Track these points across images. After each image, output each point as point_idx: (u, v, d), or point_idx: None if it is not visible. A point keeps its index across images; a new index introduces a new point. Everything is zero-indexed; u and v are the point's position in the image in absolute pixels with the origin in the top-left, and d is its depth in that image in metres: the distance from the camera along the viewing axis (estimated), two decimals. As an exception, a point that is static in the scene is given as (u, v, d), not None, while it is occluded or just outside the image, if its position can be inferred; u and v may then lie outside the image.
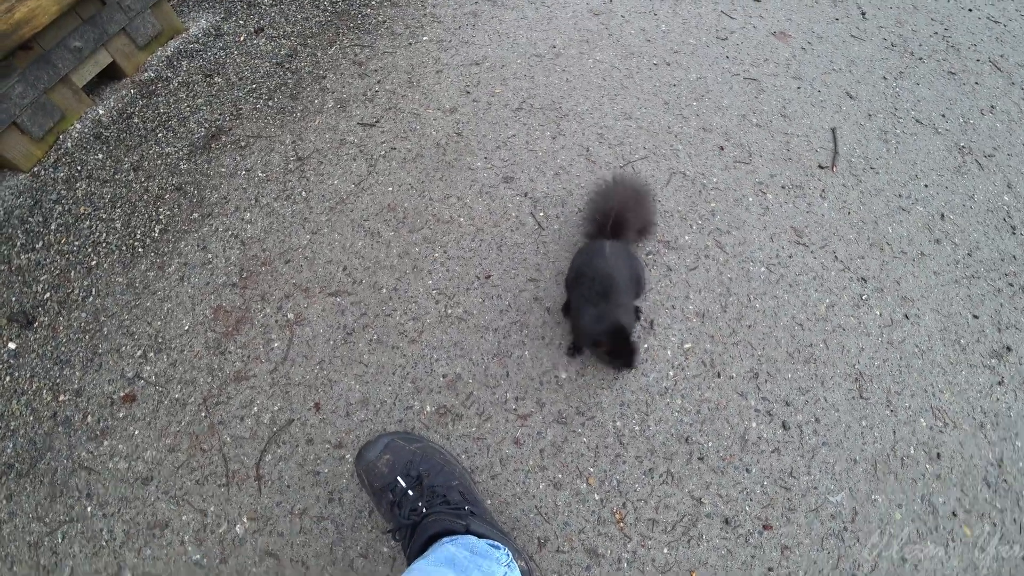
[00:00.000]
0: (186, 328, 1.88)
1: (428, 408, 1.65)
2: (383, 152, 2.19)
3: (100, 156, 2.40)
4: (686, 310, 1.78)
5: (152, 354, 1.85)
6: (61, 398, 1.82)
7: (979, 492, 1.61)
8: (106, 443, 1.72)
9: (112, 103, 2.58)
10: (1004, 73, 2.67)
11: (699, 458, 1.59)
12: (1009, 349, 1.86)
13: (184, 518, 1.57)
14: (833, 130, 2.28)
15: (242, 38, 2.80)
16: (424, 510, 1.29)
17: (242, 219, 2.09)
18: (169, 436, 1.70)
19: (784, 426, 1.66)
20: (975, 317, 1.90)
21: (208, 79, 2.62)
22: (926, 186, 2.16)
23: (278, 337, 1.81)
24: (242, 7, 2.97)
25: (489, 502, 1.53)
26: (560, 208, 1.98)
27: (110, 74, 2.65)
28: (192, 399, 1.76)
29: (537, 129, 2.20)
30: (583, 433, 1.61)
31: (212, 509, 1.57)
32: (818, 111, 2.35)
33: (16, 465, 1.73)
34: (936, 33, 2.83)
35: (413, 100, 2.38)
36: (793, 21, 2.78)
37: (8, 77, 2.25)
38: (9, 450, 1.76)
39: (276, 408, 1.70)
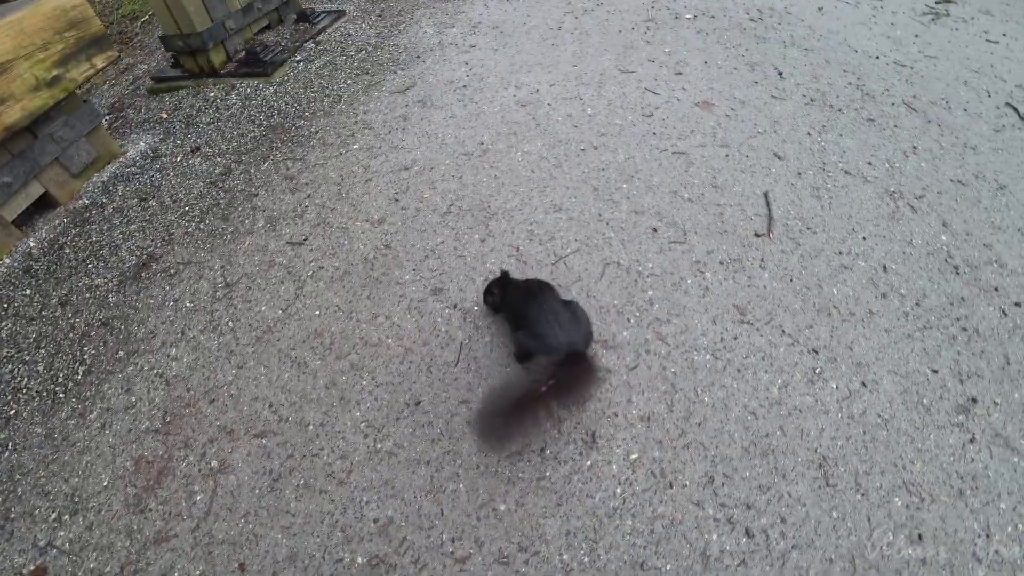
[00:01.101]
0: (105, 484, 1.64)
1: (360, 559, 1.41)
2: (311, 272, 2.01)
3: (28, 292, 2.20)
4: (629, 416, 1.57)
5: (67, 517, 1.61)
6: None
7: (972, 572, 1.37)
8: None
9: (44, 233, 2.40)
10: (919, 113, 2.56)
11: (658, 587, 1.35)
12: (974, 401, 1.66)
13: None
14: (766, 194, 2.13)
15: (179, 158, 2.66)
16: None
17: (168, 356, 1.88)
18: None
19: (748, 533, 1.43)
20: (934, 372, 1.71)
21: (143, 203, 2.46)
22: (864, 238, 2.00)
23: (201, 489, 1.58)
24: (181, 127, 2.84)
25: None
26: (490, 319, 1.78)
27: (43, 203, 2.48)
28: (108, 568, 1.50)
29: (465, 233, 2.02)
30: (527, 572, 1.37)
31: None
32: (748, 177, 2.21)
33: None
34: (850, 83, 2.74)
35: (342, 213, 2.21)
36: (715, 89, 2.67)
37: None
38: None
39: (198, 573, 1.45)
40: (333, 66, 3.14)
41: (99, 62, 2.47)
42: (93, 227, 2.38)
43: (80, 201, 2.50)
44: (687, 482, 1.49)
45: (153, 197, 2.47)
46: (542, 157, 2.35)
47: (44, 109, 2.28)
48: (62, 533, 1.58)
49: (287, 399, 1.69)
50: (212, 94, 3.03)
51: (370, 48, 3.27)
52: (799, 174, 2.23)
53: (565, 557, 1.39)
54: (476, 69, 2.96)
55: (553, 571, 1.37)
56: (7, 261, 2.29)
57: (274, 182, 2.42)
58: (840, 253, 1.96)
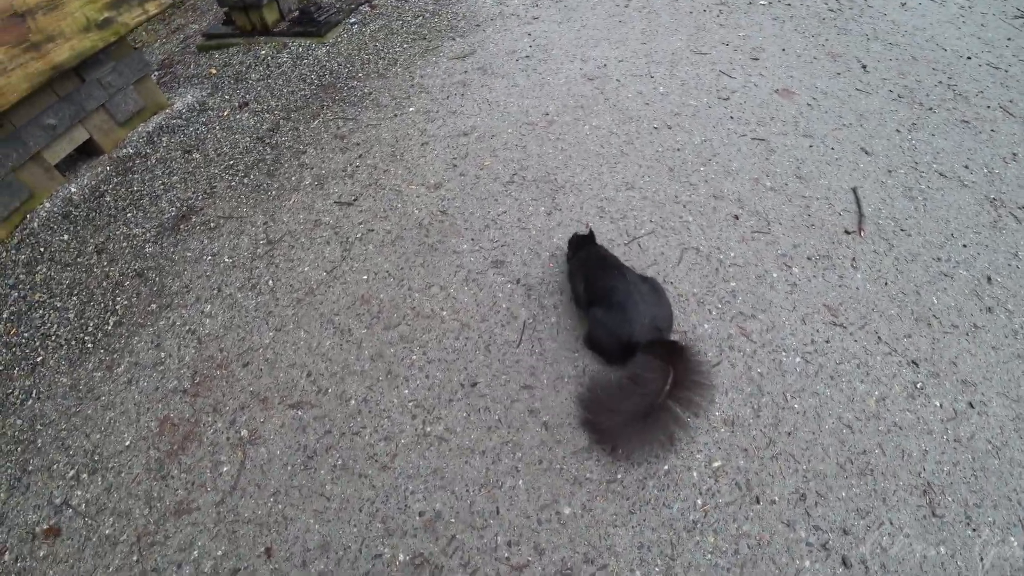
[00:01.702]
0: (127, 444, 1.45)
1: (401, 556, 1.20)
2: (359, 234, 1.79)
3: (65, 237, 2.02)
4: (712, 417, 1.33)
5: (86, 475, 1.43)
6: None
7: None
8: None
9: (86, 180, 2.21)
10: (1017, 119, 2.26)
11: (743, 619, 1.12)
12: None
13: None
14: (854, 190, 1.86)
15: (226, 112, 2.46)
16: None
17: (201, 312, 1.68)
18: None
19: (845, 563, 1.19)
20: (1048, 400, 1.43)
21: (187, 155, 2.26)
22: (964, 246, 1.73)
23: (228, 459, 1.37)
24: (230, 82, 2.64)
25: None
26: (558, 296, 1.55)
27: (87, 150, 2.29)
28: (124, 536, 1.31)
29: (530, 204, 1.79)
30: (594, 589, 1.14)
31: None
32: (835, 170, 1.94)
33: None
34: (941, 83, 2.44)
35: (396, 175, 1.99)
36: (795, 78, 2.39)
37: None
38: None
39: (220, 553, 1.25)
40: (389, 30, 2.91)
41: (151, 8, 2.28)
42: (135, 176, 2.19)
43: (124, 150, 2.32)
44: (776, 498, 1.25)
45: (197, 150, 2.27)
46: (611, 132, 2.10)
47: (93, 51, 2.11)
48: (79, 492, 1.40)
49: (327, 368, 1.48)
50: (263, 52, 2.82)
51: (427, 14, 3.04)
52: (889, 172, 1.95)
53: (637, 574, 1.16)
54: (539, 41, 2.71)
55: (622, 589, 1.14)
56: (47, 205, 2.12)
57: (324, 140, 2.21)
58: (939, 259, 1.69)
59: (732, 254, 1.64)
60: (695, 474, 1.27)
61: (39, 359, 1.69)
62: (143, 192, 2.12)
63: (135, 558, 1.27)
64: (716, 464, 1.29)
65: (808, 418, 1.35)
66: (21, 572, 1.31)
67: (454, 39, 2.77)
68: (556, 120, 2.17)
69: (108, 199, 2.12)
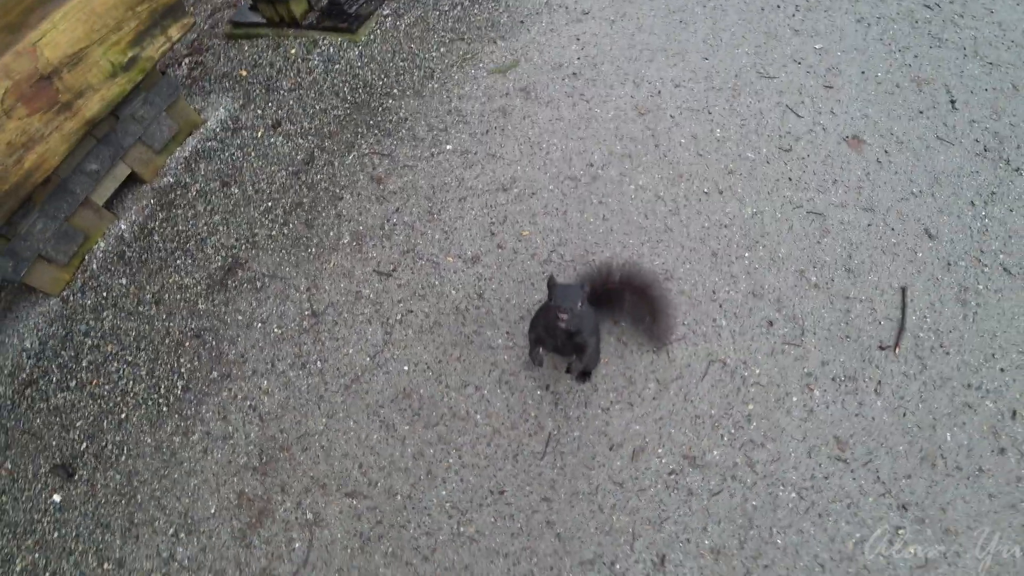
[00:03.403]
0: (212, 512, 1.99)
1: (439, 637, 1.71)
2: (399, 315, 2.16)
3: (123, 281, 2.47)
4: (701, 545, 1.74)
5: (183, 535, 1.98)
6: (106, 566, 1.98)
7: None
8: None
9: (133, 216, 2.63)
10: None
11: None
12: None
13: None
14: (903, 290, 2.06)
15: (259, 133, 2.75)
16: None
17: (259, 388, 2.14)
18: None
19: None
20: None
21: (225, 188, 2.61)
22: (1002, 370, 1.95)
23: (299, 537, 1.89)
24: (260, 91, 2.89)
25: None
26: (583, 409, 1.92)
27: (130, 181, 2.64)
28: None
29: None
30: None
31: None
32: (889, 260, 2.12)
33: None
34: (1042, 127, 2.44)
35: (433, 241, 2.30)
36: (869, 117, 2.46)
37: (28, 216, 2.32)
38: None
39: None
40: (424, 25, 3.02)
41: (174, 33, 2.52)
42: (179, 212, 2.57)
43: (165, 179, 2.68)
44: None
45: (235, 182, 2.60)
46: (658, 197, 2.30)
47: (123, 95, 2.42)
48: (180, 549, 1.96)
49: (376, 462, 1.93)
50: (293, 51, 3.01)
51: (466, 4, 3.10)
52: (948, 265, 2.11)
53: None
54: (588, 50, 2.79)
55: None
56: (102, 245, 2.55)
57: (360, 183, 2.50)
58: (969, 386, 1.92)
59: (758, 371, 1.94)
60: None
61: (123, 415, 2.20)
62: (188, 234, 2.50)
63: None
64: (699, 590, 1.70)
65: (787, 554, 1.73)
66: None
67: (495, 41, 2.87)
68: (600, 175, 2.37)
69: (156, 239, 2.53)
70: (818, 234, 2.20)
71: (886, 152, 2.39)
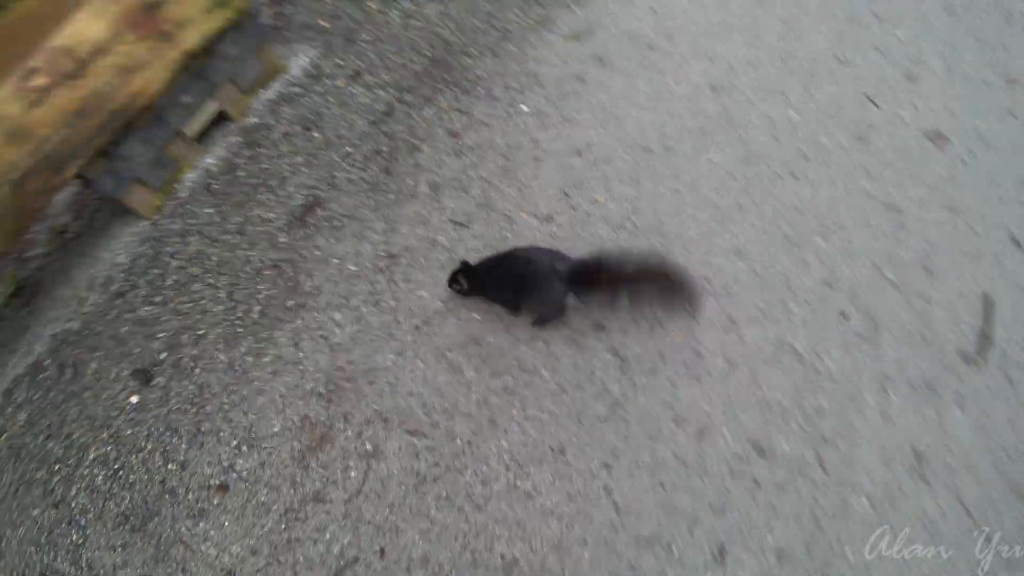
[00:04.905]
0: (276, 430, 1.80)
1: (484, 588, 1.47)
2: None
3: (209, 210, 2.26)
4: (764, 544, 1.47)
5: (245, 448, 1.82)
6: (170, 466, 1.84)
7: None
8: (202, 525, 1.74)
9: (221, 151, 2.40)
10: None
11: None
12: None
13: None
14: (986, 297, 1.69)
15: (340, 83, 2.44)
16: None
17: (332, 319, 1.92)
18: (252, 537, 1.68)
19: None
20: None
21: (307, 132, 2.35)
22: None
23: (355, 467, 1.68)
24: (341, 42, 2.59)
25: None
26: (648, 377, 1.63)
27: (218, 119, 2.40)
28: (276, 507, 1.72)
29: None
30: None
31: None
32: (971, 265, 1.77)
33: (131, 518, 1.80)
34: None
35: (508, 196, 2.02)
36: (954, 114, 2.07)
37: (129, 140, 2.12)
38: (127, 502, 1.82)
39: (346, 541, 1.62)
40: (500, -19, 2.62)
41: None
42: (263, 151, 2.35)
43: (250, 119, 2.46)
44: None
45: (316, 127, 2.35)
46: (730, 174, 1.97)
47: (218, 31, 2.18)
48: (240, 461, 1.77)
49: (440, 404, 1.70)
50: (372, 4, 2.67)
51: (540, -31, 2.69)
52: (1040, 273, 1.74)
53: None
54: (664, 22, 2.44)
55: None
56: (191, 176, 2.34)
57: (438, 136, 2.23)
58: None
59: (829, 363, 1.65)
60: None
61: (201, 332, 2.00)
62: (271, 172, 2.27)
63: (283, 526, 1.66)
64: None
65: (858, 571, 1.43)
66: (201, 512, 1.74)
67: (569, 7, 2.55)
68: (674, 148, 2.06)
69: (241, 174, 2.29)
70: (894, 228, 1.86)
71: (971, 152, 2.00)
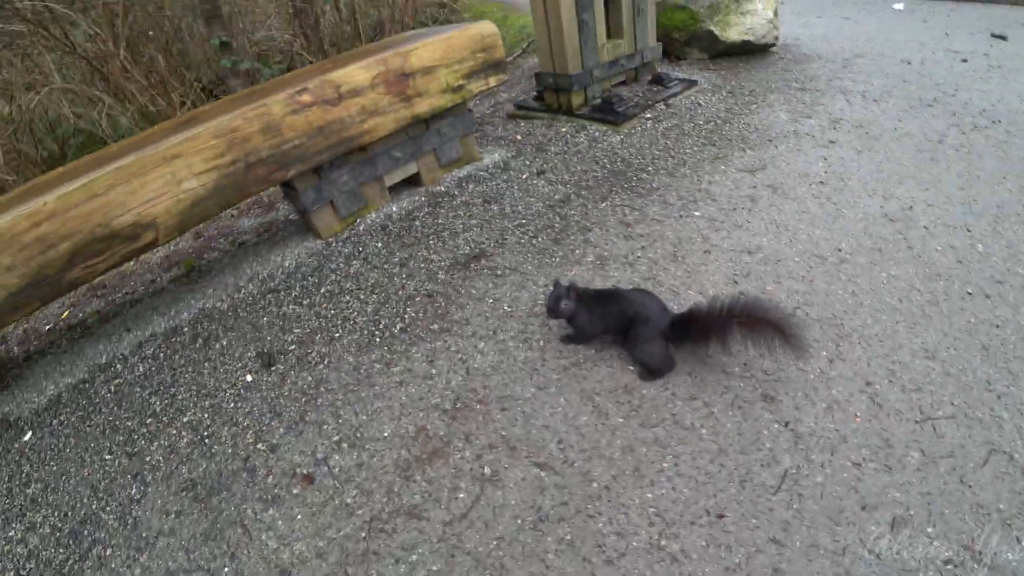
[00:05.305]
0: (385, 435, 1.78)
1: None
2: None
3: (379, 244, 2.58)
4: None
5: (346, 445, 1.78)
6: (259, 446, 1.83)
7: None
8: (271, 511, 1.63)
9: (405, 204, 2.82)
10: None
11: None
12: None
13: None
14: None
15: (524, 176, 2.93)
16: None
17: (475, 347, 1.99)
18: (323, 539, 1.54)
19: None
20: None
21: (487, 204, 2.74)
22: None
23: (466, 489, 1.58)
24: (531, 150, 3.14)
25: None
26: (828, 455, 1.50)
27: (412, 181, 2.94)
28: (361, 512, 1.60)
29: (810, 344, 1.75)
30: None
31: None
32: None
33: (198, 487, 1.75)
34: None
35: (674, 276, 2.15)
36: None
37: (341, 168, 2.56)
38: (200, 470, 1.79)
39: (435, 568, 1.44)
40: (680, 131, 3.19)
41: (492, 81, 2.96)
42: (442, 211, 2.72)
43: (439, 187, 2.93)
44: None
45: (496, 202, 2.73)
46: (912, 287, 1.99)
47: (443, 108, 2.79)
48: (336, 457, 1.74)
49: (578, 443, 1.63)
50: (563, 129, 3.31)
51: (719, 121, 3.26)
52: None
53: None
54: (835, 168, 2.71)
55: None
56: (373, 215, 2.77)
57: (609, 223, 2.48)
58: None
59: None
60: None
61: (336, 335, 2.16)
62: (445, 226, 2.61)
63: (363, 535, 1.52)
64: None
65: None
66: (276, 498, 1.66)
67: (744, 151, 2.91)
68: (848, 259, 2.13)
69: (418, 224, 2.66)
70: None
71: None
